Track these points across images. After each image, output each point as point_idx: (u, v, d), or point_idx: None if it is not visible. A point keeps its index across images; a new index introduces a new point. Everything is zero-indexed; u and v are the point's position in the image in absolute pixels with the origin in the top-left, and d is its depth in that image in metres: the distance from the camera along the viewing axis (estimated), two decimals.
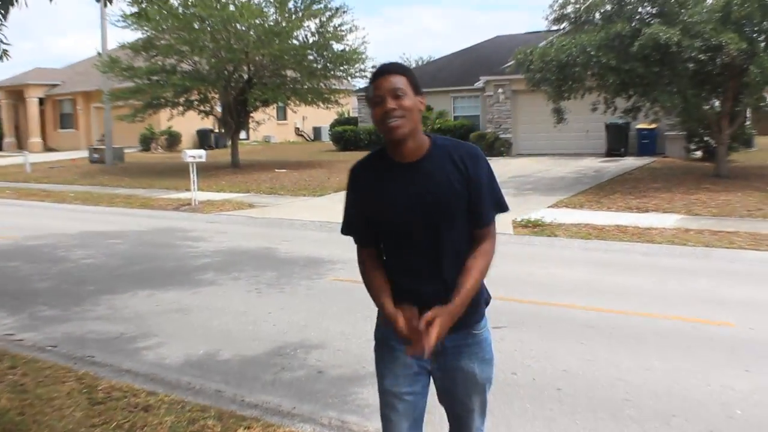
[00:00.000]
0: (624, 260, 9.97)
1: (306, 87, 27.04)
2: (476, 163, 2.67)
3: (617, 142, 26.26)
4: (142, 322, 7.37)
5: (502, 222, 13.06)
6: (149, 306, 8.00)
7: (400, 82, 2.63)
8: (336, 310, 7.51)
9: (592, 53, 17.20)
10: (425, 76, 34.39)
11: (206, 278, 9.35)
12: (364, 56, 26.31)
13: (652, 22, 17.17)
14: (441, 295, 2.61)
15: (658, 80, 17.20)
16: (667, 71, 16.97)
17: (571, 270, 9.30)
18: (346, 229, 2.87)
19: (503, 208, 2.77)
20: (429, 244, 2.66)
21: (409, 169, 2.67)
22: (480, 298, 2.83)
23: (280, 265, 9.98)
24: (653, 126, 25.19)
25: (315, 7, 25.48)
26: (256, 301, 8.06)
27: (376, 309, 2.77)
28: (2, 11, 6.59)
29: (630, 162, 23.87)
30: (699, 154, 23.92)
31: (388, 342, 2.81)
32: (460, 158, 2.66)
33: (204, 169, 24.89)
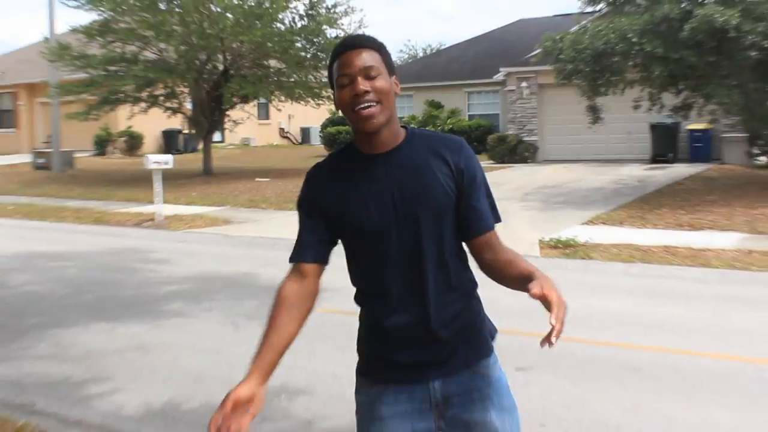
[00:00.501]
0: (674, 288, 9.93)
1: (293, 80, 27.14)
2: (467, 156, 2.60)
3: (664, 146, 26.34)
4: (95, 362, 7.32)
5: (526, 241, 13.04)
6: (103, 343, 7.95)
7: (372, 58, 2.53)
8: (326, 348, 7.46)
9: (633, 40, 17.24)
10: (434, 68, 34.54)
11: (172, 309, 9.32)
12: None
13: (706, 2, 17.22)
14: (419, 330, 2.54)
15: (714, 72, 17.24)
16: (724, 61, 17.01)
17: (610, 300, 9.27)
18: (296, 256, 2.71)
19: (498, 217, 2.71)
20: (408, 253, 2.56)
21: (382, 160, 2.59)
22: (482, 326, 2.73)
23: (262, 294, 9.94)
24: (708, 127, 25.22)
25: None
26: (233, 337, 8.02)
27: (365, 349, 2.73)
28: None
29: (680, 170, 23.93)
30: (764, 159, 23.93)
31: (376, 410, 2.66)
32: (446, 148, 2.60)
33: (171, 178, 24.86)
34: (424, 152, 2.59)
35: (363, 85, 2.48)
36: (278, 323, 2.64)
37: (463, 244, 2.67)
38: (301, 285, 2.68)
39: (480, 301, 2.76)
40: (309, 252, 2.69)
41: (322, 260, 2.70)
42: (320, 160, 2.78)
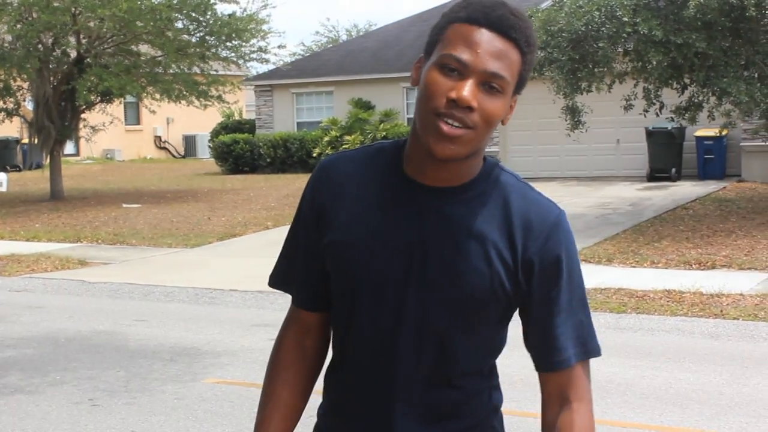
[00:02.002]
0: (678, 346, 10.08)
1: (172, 72, 27.00)
2: (550, 243, 2.38)
3: (665, 158, 26.55)
4: None
5: None
6: None
7: (509, 63, 2.27)
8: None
9: (624, 19, 17.45)
10: (362, 56, 34.72)
11: (8, 383, 9.17)
12: (265, 27, 26.47)
13: None
14: None
15: (729, 61, 17.48)
16: (742, 47, 17.26)
17: (595, 362, 9.28)
18: (275, 277, 2.64)
19: (590, 348, 2.54)
20: (394, 347, 2.38)
21: (426, 196, 2.36)
22: None
23: (131, 360, 9.86)
24: (722, 133, 25.62)
25: None
26: (92, 420, 7.93)
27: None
28: None
29: (685, 189, 24.19)
30: None
31: None
32: (523, 218, 2.36)
33: (6, 204, 24.51)
34: (490, 212, 2.37)
35: (472, 95, 2.22)
36: (282, 391, 2.57)
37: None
38: (303, 340, 2.60)
39: (503, 425, 2.62)
40: (307, 293, 2.57)
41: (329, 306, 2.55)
42: (347, 149, 2.57)
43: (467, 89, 2.19)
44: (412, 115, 28.99)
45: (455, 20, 2.28)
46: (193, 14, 26.12)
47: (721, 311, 11.44)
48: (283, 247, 2.59)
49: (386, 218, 2.37)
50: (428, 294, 2.34)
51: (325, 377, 2.57)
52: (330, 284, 2.48)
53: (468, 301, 2.33)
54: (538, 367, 2.47)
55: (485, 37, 2.23)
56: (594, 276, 13.56)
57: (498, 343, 2.53)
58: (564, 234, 2.39)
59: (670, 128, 25.48)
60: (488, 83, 2.22)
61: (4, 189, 17.52)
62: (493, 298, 2.35)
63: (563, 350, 2.41)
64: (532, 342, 2.46)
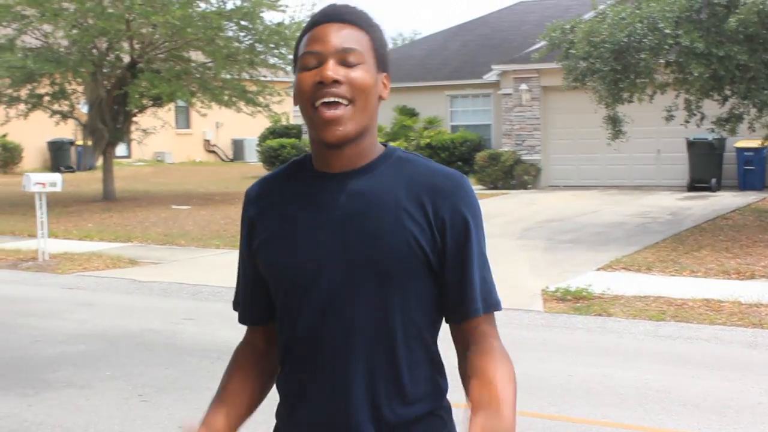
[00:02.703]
0: (717, 355, 10.03)
1: (221, 78, 27.10)
2: (457, 202, 2.49)
3: (705, 168, 26.47)
4: None
5: (525, 291, 13.10)
6: None
7: (357, 40, 2.45)
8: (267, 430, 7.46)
9: (666, 31, 17.41)
10: (407, 64, 34.69)
11: (60, 378, 9.25)
12: None
13: None
14: (337, 423, 2.48)
15: None
16: None
17: (633, 369, 9.32)
18: (234, 302, 2.83)
19: (491, 302, 2.57)
20: (333, 323, 2.47)
21: (333, 181, 2.51)
22: None
23: (180, 358, 9.93)
24: (762, 144, 25.45)
25: None
26: (140, 415, 7.99)
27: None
28: None
29: (725, 200, 24.14)
30: None
31: None
32: (429, 185, 2.48)
33: (60, 204, 24.68)
34: (396, 183, 2.48)
35: (334, 71, 2.39)
36: (232, 386, 2.71)
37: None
38: (255, 352, 2.76)
39: (451, 415, 2.64)
40: (251, 309, 2.74)
41: (269, 318, 2.70)
42: (268, 173, 2.77)
43: (327, 68, 2.38)
44: (455, 123, 29.32)
45: (304, 32, 2.50)
46: (243, 22, 26.21)
47: (760, 321, 11.36)
48: (237, 275, 2.76)
49: (303, 209, 2.51)
50: (352, 267, 2.44)
51: (276, 381, 2.69)
52: (265, 300, 2.66)
53: (392, 263, 2.43)
54: (453, 319, 2.55)
55: (329, 28, 2.43)
56: (633, 284, 13.54)
57: (430, 303, 2.54)
58: (469, 195, 2.52)
59: (710, 139, 25.42)
60: (344, 60, 2.39)
61: (58, 189, 17.56)
62: (413, 255, 2.43)
63: (475, 301, 2.50)
64: (448, 297, 2.52)
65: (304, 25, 2.54)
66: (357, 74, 2.40)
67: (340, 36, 2.41)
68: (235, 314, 2.77)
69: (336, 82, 2.37)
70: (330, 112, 2.37)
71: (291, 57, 26.58)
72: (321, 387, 2.50)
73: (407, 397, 2.47)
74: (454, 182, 2.49)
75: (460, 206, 2.48)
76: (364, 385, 2.44)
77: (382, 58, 2.50)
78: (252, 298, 2.69)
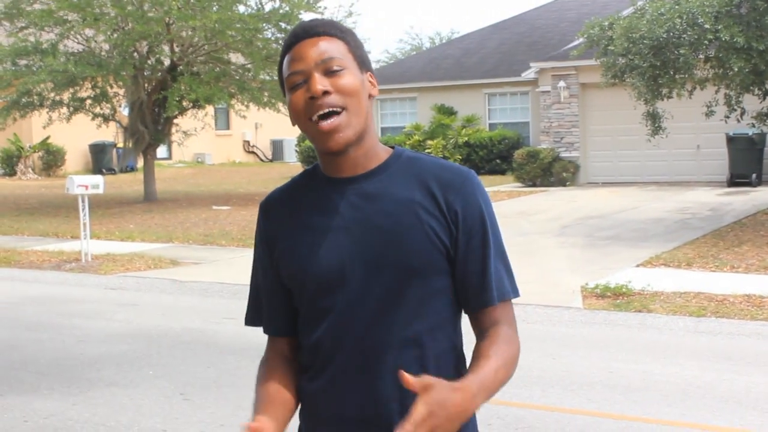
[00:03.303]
0: (759, 350, 9.94)
1: (260, 80, 27.15)
2: (468, 193, 2.57)
3: (746, 163, 26.31)
4: None
5: (564, 288, 13.04)
6: (11, 421, 7.91)
7: (334, 48, 2.52)
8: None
9: (706, 26, 17.30)
10: (445, 63, 34.69)
11: (103, 377, 9.29)
12: None
13: None
14: (367, 417, 2.52)
15: None
16: None
17: (674, 365, 9.26)
18: (248, 316, 2.88)
19: (506, 289, 2.63)
20: (360, 320, 2.53)
21: (346, 186, 2.59)
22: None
23: (221, 357, 9.95)
24: None
25: None
26: (182, 413, 8.01)
27: None
28: None
29: (766, 195, 23.94)
30: None
31: None
32: (439, 180, 2.56)
33: (102, 205, 24.84)
34: (408, 182, 2.56)
35: (321, 83, 2.47)
36: (271, 396, 2.69)
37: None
38: (284, 359, 2.78)
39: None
40: (276, 319, 2.78)
41: (294, 325, 2.75)
42: (279, 186, 2.81)
43: (315, 82, 2.45)
44: (493, 121, 29.27)
45: (283, 56, 2.58)
46: (281, 24, 26.24)
47: None
48: (250, 289, 2.83)
49: (321, 215, 2.58)
50: (376, 266, 2.50)
51: (300, 383, 2.71)
52: (288, 310, 2.72)
53: (415, 257, 2.49)
54: (469, 308, 2.61)
55: (305, 45, 2.50)
56: (673, 280, 13.46)
57: (452, 294, 2.61)
58: (478, 187, 2.60)
59: (750, 134, 25.31)
60: (327, 69, 2.47)
61: (100, 191, 17.67)
62: (434, 247, 2.50)
63: (489, 290, 2.56)
64: (463, 287, 2.58)
65: (284, 43, 2.61)
66: (343, 80, 2.48)
67: (318, 49, 2.49)
68: None
69: (326, 93, 2.46)
70: (327, 123, 2.46)
71: None
72: (350, 384, 2.55)
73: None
74: (462, 176, 2.57)
75: (470, 199, 2.55)
76: (392, 379, 2.45)
77: (361, 59, 2.58)
78: (277, 309, 2.74)
